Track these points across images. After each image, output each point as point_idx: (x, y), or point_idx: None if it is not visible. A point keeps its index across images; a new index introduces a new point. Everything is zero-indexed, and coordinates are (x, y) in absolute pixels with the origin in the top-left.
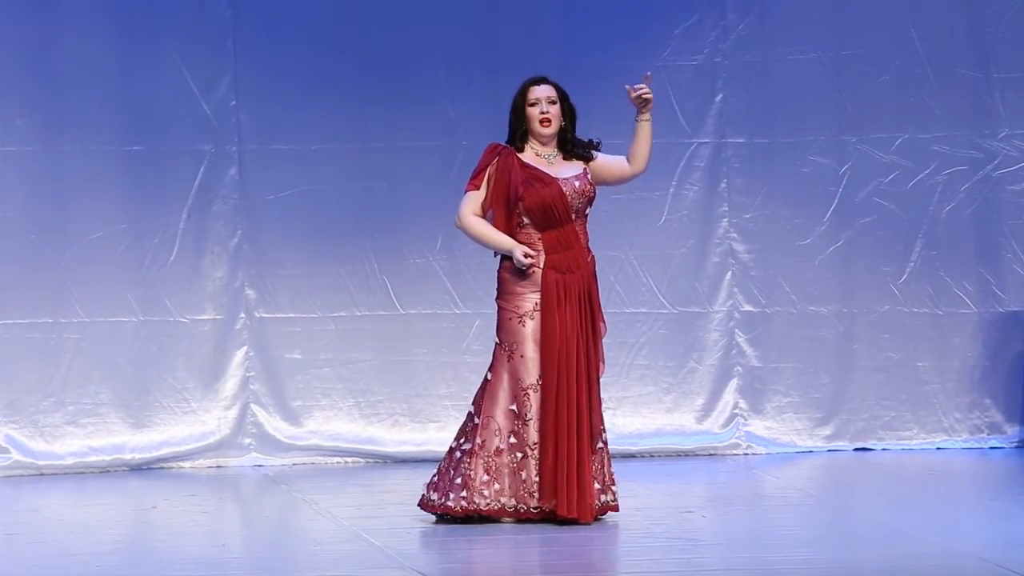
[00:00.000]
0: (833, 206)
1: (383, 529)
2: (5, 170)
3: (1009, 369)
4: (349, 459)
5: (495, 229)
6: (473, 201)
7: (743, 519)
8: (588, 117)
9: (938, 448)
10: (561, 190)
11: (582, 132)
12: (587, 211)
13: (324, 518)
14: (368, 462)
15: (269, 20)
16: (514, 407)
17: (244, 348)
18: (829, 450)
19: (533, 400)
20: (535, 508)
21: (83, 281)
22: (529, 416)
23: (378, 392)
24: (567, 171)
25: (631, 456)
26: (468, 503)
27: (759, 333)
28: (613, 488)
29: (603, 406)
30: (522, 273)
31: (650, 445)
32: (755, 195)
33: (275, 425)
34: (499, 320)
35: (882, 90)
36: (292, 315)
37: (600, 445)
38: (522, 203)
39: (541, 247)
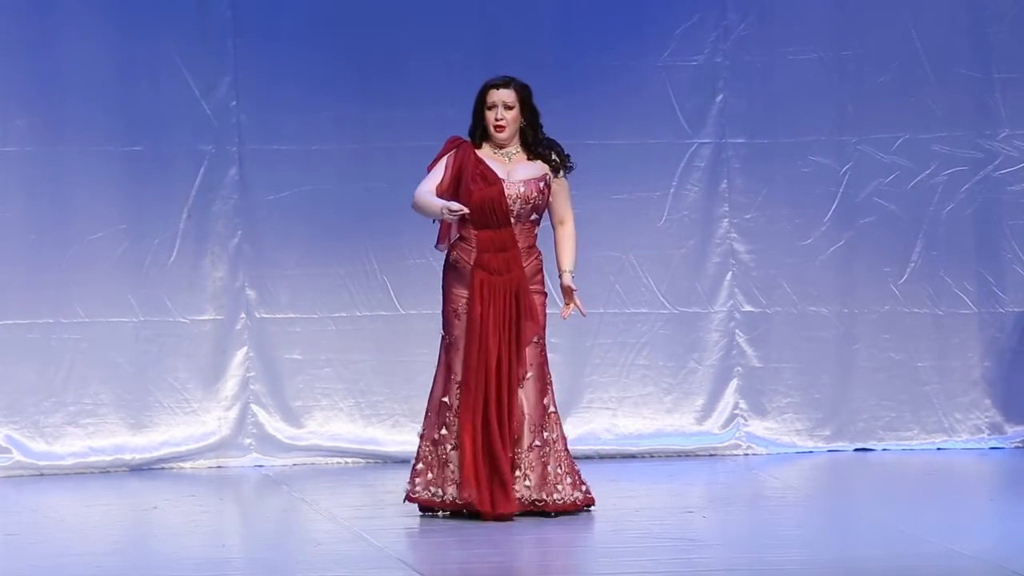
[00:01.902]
0: (834, 206)
1: (383, 529)
2: (5, 171)
3: (1009, 369)
4: (349, 459)
5: (432, 195)
6: (427, 181)
7: (743, 519)
8: (589, 117)
9: (938, 448)
10: (502, 192)
11: (583, 132)
12: (533, 216)
13: (324, 518)
14: (368, 462)
15: (269, 21)
16: (446, 399)
17: (244, 348)
18: (829, 450)
19: (460, 393)
20: (451, 498)
21: (83, 281)
22: (458, 408)
23: (378, 392)
24: (522, 172)
25: (631, 456)
26: (411, 490)
27: (759, 333)
28: (564, 484)
29: (602, 406)
30: (455, 269)
31: (650, 445)
32: (755, 195)
33: (275, 425)
34: (442, 312)
35: (883, 90)
36: (292, 315)
37: (537, 443)
38: (468, 198)
39: (474, 244)
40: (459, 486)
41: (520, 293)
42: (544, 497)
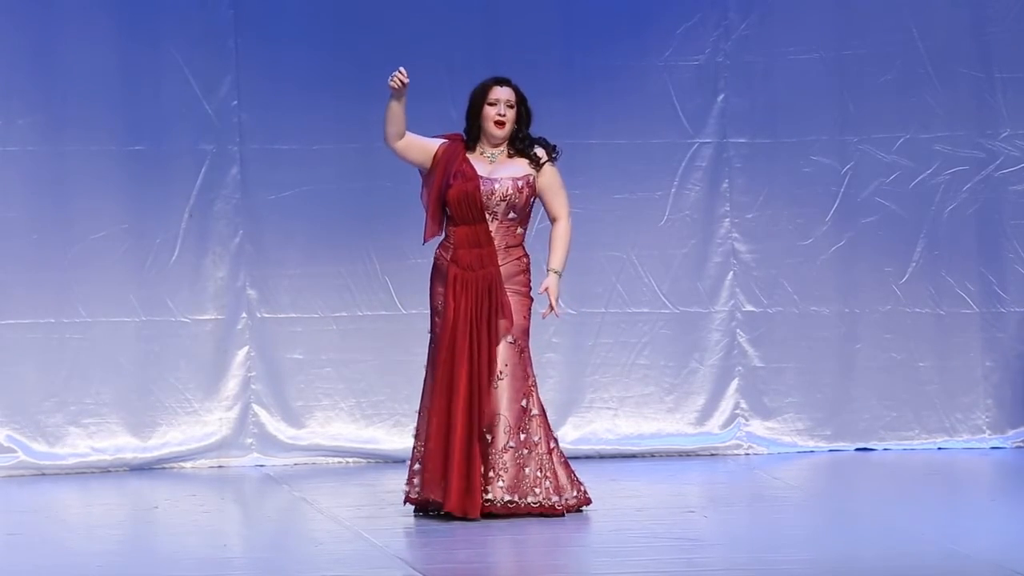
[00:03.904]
0: (835, 206)
1: (383, 529)
2: (8, 170)
3: (1010, 369)
4: (350, 459)
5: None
6: None
7: (744, 519)
8: (590, 116)
9: (939, 448)
10: (477, 188)
11: (584, 131)
12: (511, 215)
13: (325, 518)
14: (369, 462)
15: (271, 20)
16: None
17: (246, 348)
18: (830, 450)
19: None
20: (424, 498)
21: (85, 281)
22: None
23: (379, 392)
24: (503, 171)
25: (632, 456)
26: (407, 492)
27: (761, 333)
28: (541, 487)
29: (603, 406)
30: (436, 267)
31: (651, 445)
32: (757, 195)
33: (276, 425)
34: (429, 311)
35: (884, 90)
36: (294, 315)
37: (512, 444)
38: (447, 193)
39: (453, 241)
40: (422, 483)
41: (493, 290)
42: (517, 499)
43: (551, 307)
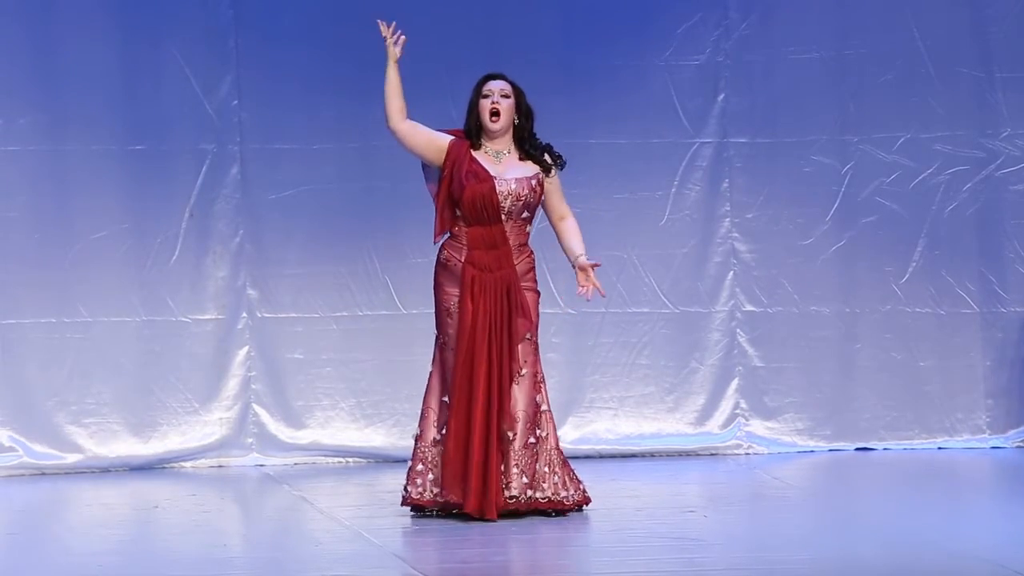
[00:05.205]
0: (835, 206)
1: (383, 528)
2: (9, 169)
3: (1011, 369)
4: (350, 459)
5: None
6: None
7: (744, 519)
8: (591, 116)
9: (939, 448)
10: (493, 189)
11: (584, 131)
12: (524, 215)
13: (325, 518)
14: (369, 462)
15: (271, 20)
16: (446, 398)
17: (246, 348)
18: (830, 450)
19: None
20: (442, 499)
21: (86, 281)
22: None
23: (380, 392)
24: (514, 171)
25: (632, 456)
26: (409, 492)
27: (761, 333)
28: (549, 482)
29: (604, 405)
30: (446, 268)
31: (651, 445)
32: (757, 195)
33: (276, 425)
34: (435, 312)
35: (884, 90)
36: (294, 315)
37: (532, 441)
38: (461, 195)
39: (465, 242)
40: (442, 485)
41: (511, 290)
42: (531, 494)
43: (594, 284)
